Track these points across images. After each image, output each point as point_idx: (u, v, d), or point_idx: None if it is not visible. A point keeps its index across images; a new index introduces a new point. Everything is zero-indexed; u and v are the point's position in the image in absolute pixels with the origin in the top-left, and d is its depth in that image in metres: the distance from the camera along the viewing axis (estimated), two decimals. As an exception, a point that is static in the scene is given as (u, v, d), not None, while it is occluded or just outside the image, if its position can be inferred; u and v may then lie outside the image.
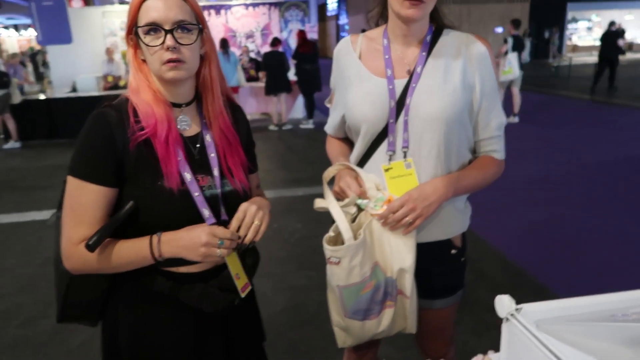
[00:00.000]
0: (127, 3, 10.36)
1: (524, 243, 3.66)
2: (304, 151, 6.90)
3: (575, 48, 23.56)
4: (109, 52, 8.99)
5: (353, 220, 1.27)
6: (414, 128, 1.23)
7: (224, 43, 8.43)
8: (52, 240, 1.09)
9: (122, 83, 8.34)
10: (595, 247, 3.52)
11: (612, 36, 11.08)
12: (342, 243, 1.22)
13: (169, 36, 0.99)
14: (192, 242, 0.99)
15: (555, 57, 20.37)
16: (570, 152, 6.18)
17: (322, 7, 30.60)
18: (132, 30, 1.03)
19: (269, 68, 8.19)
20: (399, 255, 1.24)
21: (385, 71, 1.26)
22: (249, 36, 10.83)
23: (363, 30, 1.41)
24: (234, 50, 9.05)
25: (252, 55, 10.06)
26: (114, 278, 1.11)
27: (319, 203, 1.29)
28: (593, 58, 16.11)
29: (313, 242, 3.65)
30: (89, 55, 9.15)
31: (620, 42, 11.10)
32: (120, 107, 1.04)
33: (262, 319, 1.32)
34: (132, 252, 1.02)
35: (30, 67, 12.88)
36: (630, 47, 15.83)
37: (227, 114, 1.15)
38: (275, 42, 8.40)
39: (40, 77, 12.11)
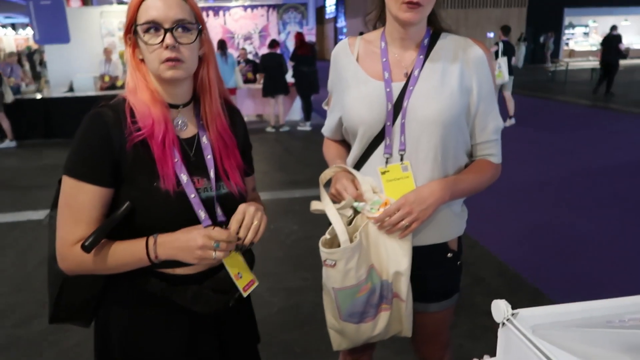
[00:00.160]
0: (125, 3, 10.36)
1: (520, 247, 3.66)
2: (301, 153, 6.90)
3: (572, 53, 23.69)
4: (107, 52, 8.97)
5: (349, 223, 1.27)
6: (411, 131, 1.23)
7: (222, 44, 8.43)
8: (47, 240, 1.09)
9: (119, 83, 8.33)
10: (592, 252, 3.53)
11: (614, 40, 11.14)
12: (338, 245, 1.22)
13: (168, 35, 0.99)
14: (188, 245, 0.99)
15: (549, 62, 20.52)
16: (566, 157, 6.20)
17: (321, 10, 30.67)
18: (131, 29, 1.03)
19: (267, 70, 8.19)
20: (395, 258, 1.24)
21: (382, 74, 1.26)
22: (247, 38, 10.84)
23: (361, 33, 1.41)
24: (232, 52, 9.05)
25: (250, 57, 10.06)
26: (107, 279, 1.10)
27: (315, 205, 1.29)
28: (590, 63, 16.21)
29: (309, 243, 3.64)
30: (87, 55, 9.13)
31: (622, 47, 11.18)
32: (117, 107, 1.03)
33: (258, 320, 1.32)
34: (127, 253, 1.01)
35: (27, 66, 12.85)
36: (627, 52, 15.96)
37: (224, 116, 1.14)
38: (274, 44, 8.41)
39: (37, 76, 12.08)
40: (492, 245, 3.63)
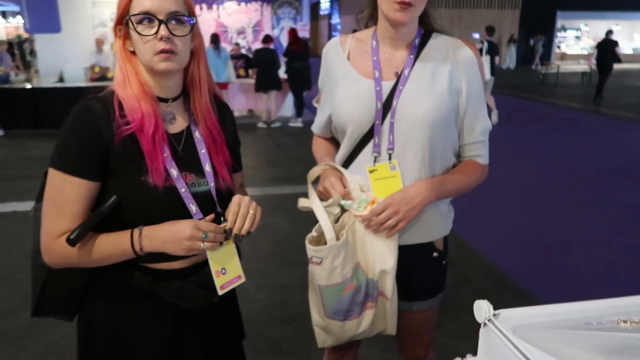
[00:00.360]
0: (117, -6, 10.22)
1: (507, 247, 3.70)
2: (292, 149, 6.90)
3: (563, 56, 23.91)
4: (98, 42, 8.87)
5: (336, 221, 1.27)
6: (400, 130, 1.23)
7: (215, 38, 8.37)
8: (32, 232, 1.08)
9: (110, 74, 8.24)
10: (578, 253, 3.57)
11: (609, 45, 11.28)
12: (325, 243, 1.23)
13: (162, 26, 0.99)
14: (176, 236, 0.98)
15: (538, 65, 20.71)
16: (554, 159, 6.26)
17: (315, 6, 30.60)
18: (123, 20, 1.02)
19: (260, 65, 8.16)
20: (381, 256, 1.24)
21: (373, 73, 1.27)
22: (241, 32, 10.79)
23: (354, 31, 1.41)
24: (225, 46, 9.00)
25: (243, 51, 10.01)
26: (92, 272, 1.09)
27: (302, 202, 1.29)
28: (581, 66, 16.37)
29: (298, 240, 3.61)
30: (78, 45, 9.02)
31: (619, 51, 11.32)
32: (105, 100, 1.02)
33: (245, 316, 1.32)
34: (112, 246, 1.00)
35: (18, 55, 12.67)
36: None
37: (213, 111, 1.14)
38: (267, 39, 8.38)
39: (27, 65, 11.92)
40: (479, 245, 3.66)
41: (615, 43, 11.32)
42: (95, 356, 1.10)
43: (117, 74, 1.05)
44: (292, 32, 8.43)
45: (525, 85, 14.52)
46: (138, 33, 0.99)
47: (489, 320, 0.72)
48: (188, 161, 1.08)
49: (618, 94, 11.92)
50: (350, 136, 1.29)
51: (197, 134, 1.10)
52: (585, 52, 23.15)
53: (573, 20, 24.39)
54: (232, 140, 1.21)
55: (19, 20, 18.79)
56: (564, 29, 24.73)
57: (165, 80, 1.06)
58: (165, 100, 1.08)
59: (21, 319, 2.64)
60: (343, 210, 1.27)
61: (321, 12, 31.82)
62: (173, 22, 1.00)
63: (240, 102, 9.26)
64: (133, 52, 1.05)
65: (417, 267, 1.34)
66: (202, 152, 1.10)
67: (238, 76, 9.01)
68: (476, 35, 16.37)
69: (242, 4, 10.71)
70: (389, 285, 1.26)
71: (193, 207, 1.04)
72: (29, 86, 8.07)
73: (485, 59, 7.92)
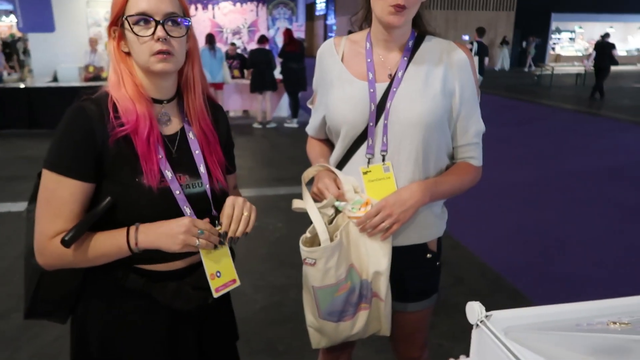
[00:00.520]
0: (112, -7, 10.17)
1: (501, 248, 3.71)
2: (288, 150, 6.89)
3: (558, 58, 24.04)
4: (92, 42, 8.82)
5: (330, 222, 1.28)
6: (394, 132, 1.24)
7: (211, 39, 8.36)
8: (33, 227, 1.07)
9: (104, 74, 8.20)
10: (573, 254, 3.59)
11: (606, 47, 11.37)
12: (319, 244, 1.23)
13: (159, 27, 0.99)
14: (172, 231, 0.98)
15: (531, 66, 20.84)
16: (549, 159, 6.29)
17: (311, 7, 30.59)
18: (118, 21, 1.02)
19: (255, 65, 8.15)
20: (375, 258, 1.25)
21: (367, 74, 1.27)
22: (236, 32, 10.77)
23: (349, 32, 1.42)
24: (220, 47, 8.98)
25: (239, 51, 10.00)
26: (86, 274, 1.09)
27: (296, 204, 1.30)
28: (575, 68, 16.48)
29: (294, 241, 3.61)
30: (72, 45, 8.97)
31: (615, 53, 11.42)
32: (99, 102, 1.02)
33: (240, 317, 1.32)
34: (108, 242, 1.00)
35: (17, 55, 12.61)
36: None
37: (207, 112, 1.14)
38: (262, 39, 8.37)
39: (20, 65, 11.85)
40: (473, 246, 3.67)
41: (612, 45, 11.44)
42: (89, 357, 1.10)
43: (111, 75, 1.05)
44: (288, 33, 8.43)
45: (519, 87, 14.59)
46: (135, 34, 0.99)
47: (481, 322, 0.73)
48: (182, 162, 1.08)
49: (612, 96, 12.00)
50: (344, 138, 1.29)
51: (191, 135, 1.11)
52: (580, 54, 23.30)
53: (567, 22, 24.54)
54: (226, 142, 1.21)
55: (12, 19, 18.69)
56: (558, 30, 24.87)
57: (160, 81, 1.06)
58: (159, 102, 1.08)
59: (15, 320, 2.63)
60: (337, 211, 1.27)
61: (317, 13, 31.83)
62: (169, 23, 1.00)
63: (235, 102, 9.24)
64: (127, 53, 1.05)
65: (411, 268, 1.35)
66: (197, 153, 1.10)
67: (233, 77, 9.00)
68: (466, 37, 16.60)
69: (238, 4, 10.69)
70: (383, 287, 1.27)
71: (187, 210, 1.04)
72: (22, 86, 8.02)
73: (475, 60, 8.09)
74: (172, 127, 1.11)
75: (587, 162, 6.16)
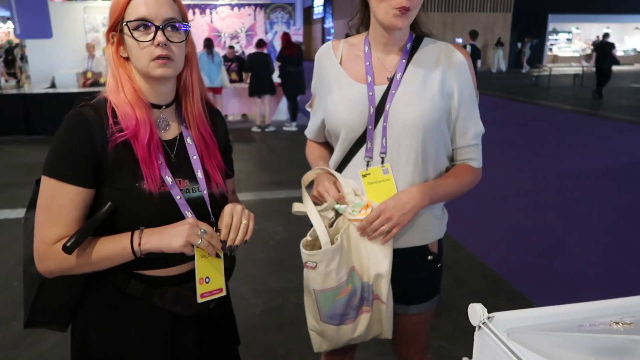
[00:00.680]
0: (110, -1, 10.20)
1: (502, 249, 3.71)
2: (287, 153, 6.90)
3: (555, 59, 24.11)
4: (89, 47, 8.83)
5: (331, 225, 1.27)
6: (393, 134, 1.24)
7: (209, 43, 8.37)
8: (31, 235, 1.07)
9: (102, 80, 8.21)
10: (573, 255, 3.59)
11: (607, 47, 11.43)
12: (320, 247, 1.23)
13: (159, 32, 0.99)
14: (176, 229, 0.99)
15: (527, 67, 20.94)
16: (548, 161, 6.30)
17: (308, 10, 30.68)
18: (117, 26, 1.02)
19: (254, 69, 8.16)
20: (376, 260, 1.24)
21: (365, 77, 1.27)
22: (234, 37, 10.78)
23: (347, 35, 1.42)
24: (218, 51, 9.00)
25: (237, 54, 10.01)
26: (85, 282, 1.09)
27: (297, 207, 1.29)
28: (572, 69, 16.53)
29: (293, 244, 3.61)
30: (69, 51, 8.98)
31: (615, 53, 11.49)
32: (98, 107, 1.02)
33: (240, 321, 1.31)
34: (111, 246, 0.99)
35: (18, 61, 12.61)
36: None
37: (206, 117, 1.14)
38: (261, 43, 8.38)
39: (19, 71, 11.83)
40: (473, 247, 3.67)
41: (612, 45, 11.51)
42: (90, 364, 1.10)
43: (110, 80, 1.05)
44: (286, 37, 8.45)
45: (517, 88, 14.62)
46: (135, 39, 1.00)
47: (483, 323, 0.72)
48: (182, 167, 1.08)
49: (610, 96, 12.03)
50: (343, 140, 1.29)
51: (189, 140, 1.11)
52: (577, 55, 23.36)
53: (564, 23, 24.63)
54: (224, 146, 1.21)
55: (9, 26, 18.70)
56: (555, 32, 24.96)
57: (160, 86, 1.06)
58: (158, 107, 1.08)
59: (14, 327, 2.62)
60: (337, 214, 1.27)
61: (314, 16, 31.92)
62: (169, 28, 1.01)
63: (234, 106, 9.25)
64: (126, 58, 1.05)
65: (412, 270, 1.35)
66: (194, 158, 1.10)
67: (231, 81, 9.01)
68: (459, 40, 16.84)
69: (235, 8, 10.71)
70: (384, 289, 1.26)
71: (189, 214, 1.04)
72: (17, 92, 8.01)
73: None
74: (171, 132, 1.11)
75: (586, 163, 6.16)
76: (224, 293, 1.10)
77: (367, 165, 1.26)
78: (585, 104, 11.16)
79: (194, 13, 10.40)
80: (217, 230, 1.06)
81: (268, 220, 4.14)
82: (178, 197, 1.03)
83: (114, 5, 1.02)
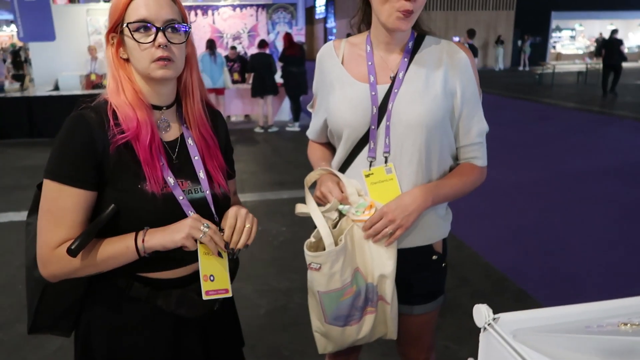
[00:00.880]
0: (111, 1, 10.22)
1: (506, 248, 3.69)
2: (290, 154, 6.89)
3: (558, 56, 24.03)
4: (91, 50, 8.86)
5: (334, 226, 1.27)
6: (396, 134, 1.23)
7: (211, 44, 8.38)
8: (33, 239, 1.06)
9: (105, 82, 8.21)
10: (578, 253, 3.57)
11: (615, 44, 11.41)
12: (323, 249, 1.22)
13: (160, 34, 0.99)
14: (179, 224, 0.99)
15: (525, 65, 20.91)
16: (553, 159, 6.27)
17: (310, 10, 30.69)
18: (117, 27, 1.02)
19: (256, 70, 8.17)
20: (380, 261, 1.24)
21: (368, 77, 1.27)
22: (236, 37, 10.78)
23: (348, 35, 1.41)
24: (221, 52, 9.00)
25: (240, 54, 10.01)
26: (88, 285, 1.08)
27: (300, 208, 1.29)
28: (576, 66, 16.46)
29: (297, 245, 3.61)
30: (73, 53, 9.01)
31: (623, 49, 11.48)
32: (99, 109, 1.02)
33: (244, 322, 1.31)
34: (115, 245, 0.99)
35: (7, 62, 12.67)
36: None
37: (206, 118, 1.14)
38: (263, 44, 8.38)
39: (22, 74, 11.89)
40: (478, 247, 3.65)
41: (620, 42, 11.51)
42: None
43: (110, 82, 1.05)
44: (288, 37, 8.45)
45: (520, 86, 14.57)
46: (135, 40, 0.99)
47: (488, 325, 0.72)
48: (183, 168, 1.08)
49: (615, 94, 11.97)
50: (346, 141, 1.29)
51: (190, 141, 1.10)
52: (581, 52, 23.28)
53: (568, 20, 24.54)
54: (225, 147, 1.21)
55: (13, 29, 18.78)
56: (558, 29, 24.88)
57: (160, 87, 1.06)
58: (159, 108, 1.08)
59: (18, 330, 2.62)
60: (341, 215, 1.26)
61: (316, 16, 31.92)
62: (169, 29, 1.01)
63: (236, 107, 9.26)
64: (126, 60, 1.04)
65: (417, 270, 1.34)
66: (196, 159, 1.10)
67: (234, 81, 9.01)
68: (456, 39, 16.93)
69: (237, 9, 10.72)
70: (389, 290, 1.26)
71: (191, 214, 1.04)
72: (22, 94, 8.04)
73: None
74: (172, 133, 1.10)
75: (591, 161, 6.13)
76: (229, 294, 1.09)
77: (370, 165, 1.26)
78: (589, 101, 11.11)
79: (195, 14, 10.42)
80: (221, 231, 1.05)
81: (272, 220, 4.13)
82: (181, 197, 1.03)
83: (114, 6, 1.01)
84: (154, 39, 0.99)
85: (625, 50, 22.04)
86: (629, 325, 0.66)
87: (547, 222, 4.19)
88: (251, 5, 10.72)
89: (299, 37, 10.59)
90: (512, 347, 0.66)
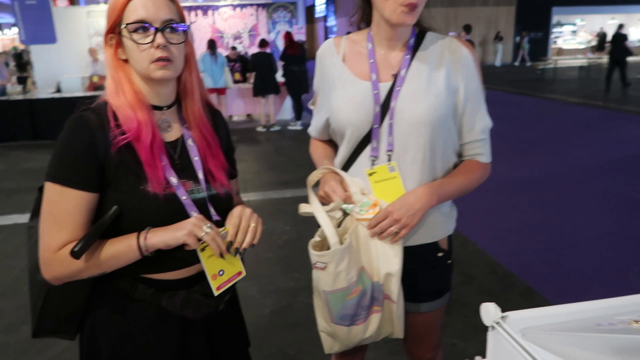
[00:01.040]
0: (113, 3, 10.20)
1: (512, 245, 3.68)
2: (292, 153, 6.89)
3: (560, 51, 23.93)
4: (92, 52, 8.88)
5: (339, 225, 1.26)
6: (399, 132, 1.22)
7: (212, 44, 8.37)
8: (36, 243, 1.06)
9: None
10: (584, 249, 3.55)
11: (621, 38, 11.38)
12: (328, 248, 1.21)
13: (159, 34, 0.98)
14: (182, 223, 0.99)
15: (524, 61, 20.86)
16: (557, 155, 6.24)
17: (310, 9, 30.63)
18: (115, 28, 1.01)
19: (257, 69, 8.16)
20: (386, 259, 1.23)
21: (370, 75, 1.25)
22: (237, 37, 10.79)
23: (348, 33, 1.40)
24: (221, 52, 9.00)
25: (240, 54, 10.01)
26: (93, 288, 1.08)
27: (303, 208, 1.28)
28: (578, 61, 16.40)
29: (301, 244, 3.62)
30: (74, 56, 9.02)
31: (628, 44, 11.51)
32: (99, 111, 1.01)
33: (249, 322, 1.31)
34: (117, 245, 0.98)
35: (11, 65, 12.72)
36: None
37: (206, 117, 1.13)
38: (263, 43, 8.38)
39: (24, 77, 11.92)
40: (483, 243, 3.64)
41: (625, 37, 11.48)
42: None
43: (109, 83, 1.04)
44: (288, 36, 8.43)
45: (522, 82, 14.52)
46: (134, 41, 0.99)
47: (497, 323, 0.71)
48: (185, 169, 1.07)
49: (617, 87, 11.92)
50: (349, 139, 1.28)
51: (190, 142, 1.10)
52: (582, 47, 23.17)
53: (569, 15, 24.44)
54: (227, 147, 1.20)
55: (15, 32, 18.83)
56: (559, 24, 24.77)
57: (160, 88, 1.06)
58: (159, 108, 1.07)
59: (23, 332, 2.63)
60: (345, 214, 1.25)
61: (316, 15, 31.87)
62: (168, 29, 1.00)
63: (238, 107, 9.26)
64: (125, 61, 1.04)
65: (423, 267, 1.33)
66: (195, 159, 1.09)
67: (235, 81, 9.01)
68: (452, 34, 16.92)
69: (238, 9, 10.72)
70: (395, 288, 1.25)
71: (194, 214, 1.03)
72: (25, 97, 8.05)
73: None
74: (173, 133, 1.10)
75: (595, 156, 6.10)
76: (243, 274, 1.10)
77: (373, 164, 1.25)
78: (592, 96, 11.06)
79: (196, 14, 10.42)
80: (224, 231, 1.04)
81: (275, 220, 4.13)
82: (184, 197, 1.03)
83: (112, 7, 1.01)
84: (153, 40, 0.98)
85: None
86: (640, 322, 0.65)
87: (553, 217, 4.16)
88: (251, 5, 10.72)
89: (300, 35, 10.58)
90: (522, 346, 0.65)
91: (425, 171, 1.24)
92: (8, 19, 19.31)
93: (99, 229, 0.97)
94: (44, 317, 1.09)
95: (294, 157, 6.59)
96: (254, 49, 9.21)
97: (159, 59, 0.99)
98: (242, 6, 10.69)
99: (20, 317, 2.78)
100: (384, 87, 1.24)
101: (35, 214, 1.06)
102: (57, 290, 1.05)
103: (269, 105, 8.49)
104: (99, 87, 8.17)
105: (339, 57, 1.31)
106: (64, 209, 0.97)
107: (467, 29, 9.80)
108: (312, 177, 1.33)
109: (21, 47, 14.81)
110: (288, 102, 9.04)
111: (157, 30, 0.98)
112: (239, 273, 1.09)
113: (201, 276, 1.08)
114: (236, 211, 1.06)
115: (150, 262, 1.01)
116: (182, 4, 1.08)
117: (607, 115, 8.88)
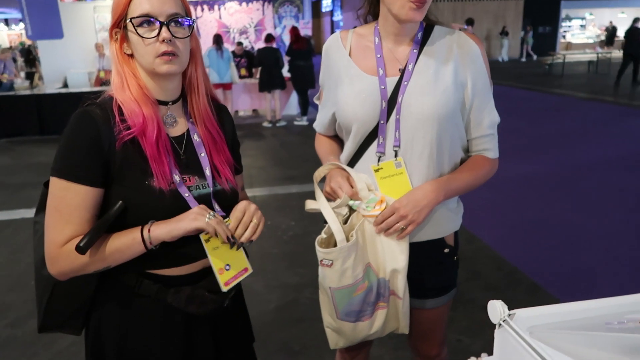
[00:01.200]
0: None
1: (518, 241, 3.66)
2: (298, 148, 6.88)
3: (568, 46, 23.70)
4: (98, 47, 8.90)
5: (345, 222, 1.25)
6: (406, 127, 1.21)
7: (218, 39, 8.36)
8: (41, 238, 1.06)
9: (113, 78, 8.24)
10: (590, 245, 3.52)
11: (636, 32, 11.21)
12: (335, 245, 1.20)
13: (164, 28, 0.98)
14: (185, 213, 0.99)
15: (530, 56, 20.69)
16: (564, 150, 6.19)
17: (317, 4, 30.51)
18: (120, 23, 1.01)
19: (263, 64, 8.14)
20: (392, 255, 1.22)
21: (377, 70, 1.24)
22: (243, 32, 10.77)
23: (355, 27, 1.38)
24: (227, 47, 8.99)
25: (246, 49, 10.00)
26: (98, 283, 1.08)
27: (310, 204, 1.27)
28: (587, 56, 16.22)
29: (306, 239, 3.63)
30: (81, 51, 9.06)
31: None
32: (104, 105, 1.01)
33: (254, 317, 1.31)
34: (121, 238, 0.98)
35: (20, 61, 12.78)
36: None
37: (212, 112, 1.13)
38: (269, 38, 8.36)
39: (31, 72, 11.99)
40: (489, 239, 3.62)
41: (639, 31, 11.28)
42: (105, 365, 1.09)
43: (115, 77, 1.04)
44: (294, 31, 8.41)
45: (530, 76, 14.41)
46: (139, 36, 0.98)
47: (504, 321, 0.70)
48: (190, 164, 1.07)
49: (627, 82, 11.79)
50: (355, 135, 1.27)
51: (195, 137, 1.09)
52: (591, 41, 22.94)
53: (577, 9, 24.18)
54: (232, 142, 1.20)
55: (22, 27, 18.91)
56: (568, 18, 24.52)
57: (166, 82, 1.05)
58: (165, 103, 1.07)
59: (31, 326, 2.65)
60: (351, 210, 1.24)
61: (323, 10, 31.73)
62: (173, 24, 0.99)
63: (244, 102, 9.25)
64: (130, 55, 1.03)
65: (429, 264, 1.32)
66: (202, 155, 1.09)
67: (241, 77, 9.00)
68: (455, 25, 16.71)
69: (244, 3, 10.69)
70: (401, 284, 1.24)
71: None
72: (32, 92, 8.09)
73: None
74: (179, 128, 1.09)
75: (603, 152, 6.04)
76: (250, 271, 1.09)
77: (379, 160, 1.24)
78: (601, 91, 10.95)
79: (202, 10, 10.41)
80: (227, 222, 1.04)
81: (281, 215, 4.13)
82: (186, 194, 1.02)
83: (117, 1, 1.00)
84: (158, 34, 0.98)
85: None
86: (651, 321, 0.64)
87: (559, 213, 4.14)
88: (257, 0, 10.69)
89: (306, 30, 10.55)
90: (529, 344, 0.65)
91: (432, 167, 1.23)
92: (15, 14, 19.38)
93: (104, 224, 0.97)
94: (50, 312, 1.10)
95: (299, 152, 6.58)
96: (260, 44, 9.20)
97: (164, 53, 0.98)
98: (248, 1, 10.66)
99: (27, 310, 2.80)
100: (391, 82, 1.23)
101: (41, 209, 1.06)
102: (62, 285, 1.05)
103: (275, 100, 8.47)
104: (105, 82, 8.19)
105: (346, 51, 1.30)
106: (69, 204, 0.97)
107: (470, 22, 9.61)
108: (318, 173, 1.32)
109: (28, 42, 14.87)
110: (294, 97, 9.02)
111: (162, 24, 0.98)
112: (245, 269, 1.09)
113: (206, 272, 1.08)
114: (241, 205, 1.06)
115: (155, 258, 1.01)
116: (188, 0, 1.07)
117: (617, 111, 8.79)
